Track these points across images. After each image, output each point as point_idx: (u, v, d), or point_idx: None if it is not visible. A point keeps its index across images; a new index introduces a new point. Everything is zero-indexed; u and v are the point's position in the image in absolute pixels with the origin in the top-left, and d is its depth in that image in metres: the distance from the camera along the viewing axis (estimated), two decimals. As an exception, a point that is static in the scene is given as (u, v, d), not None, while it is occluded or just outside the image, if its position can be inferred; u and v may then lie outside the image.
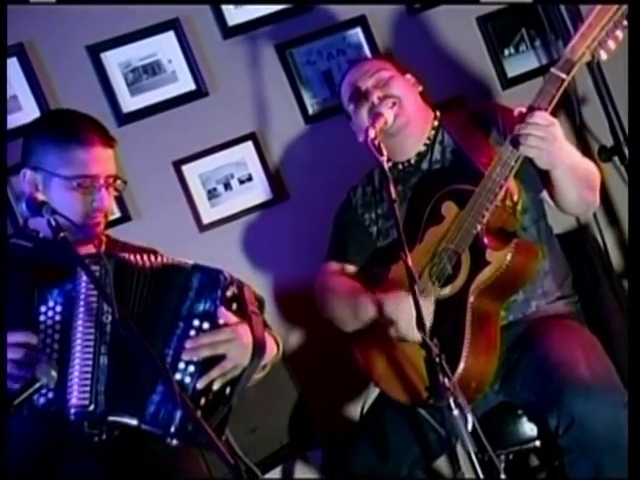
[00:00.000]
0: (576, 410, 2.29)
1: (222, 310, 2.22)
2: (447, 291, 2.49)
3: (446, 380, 2.03)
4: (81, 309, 2.15)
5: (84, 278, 2.15)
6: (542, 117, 2.33)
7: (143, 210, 3.08)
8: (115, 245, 2.49)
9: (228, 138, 3.14)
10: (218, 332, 2.21)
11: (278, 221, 3.17)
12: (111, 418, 2.14)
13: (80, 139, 2.33)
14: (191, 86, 3.12)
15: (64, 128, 2.37)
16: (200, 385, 2.18)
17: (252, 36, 3.18)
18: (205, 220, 3.12)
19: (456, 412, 2.00)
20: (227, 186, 3.13)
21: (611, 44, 2.31)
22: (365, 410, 2.65)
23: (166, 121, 3.10)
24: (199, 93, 3.12)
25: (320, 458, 2.98)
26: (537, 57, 3.36)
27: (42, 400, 2.10)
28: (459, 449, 2.08)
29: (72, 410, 2.10)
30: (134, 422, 2.15)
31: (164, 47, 3.10)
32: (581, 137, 3.28)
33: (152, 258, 2.26)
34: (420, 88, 2.74)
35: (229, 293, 2.25)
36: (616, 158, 3.25)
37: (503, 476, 2.16)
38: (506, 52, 3.34)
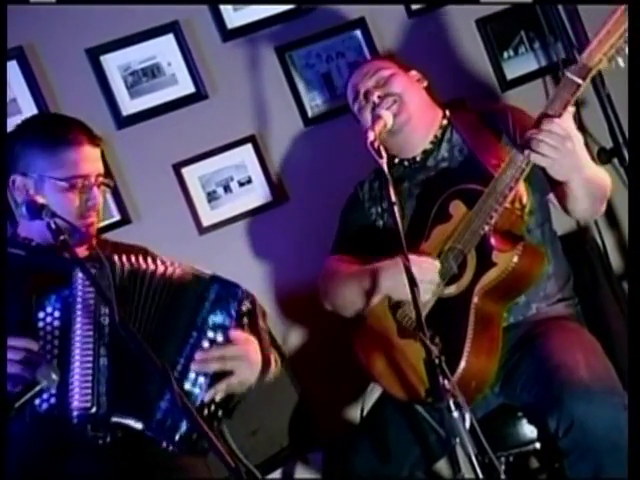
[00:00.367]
0: (576, 412, 2.29)
1: (236, 324, 2.23)
2: (452, 290, 2.49)
3: (446, 382, 2.04)
4: (79, 312, 2.16)
5: (80, 281, 2.16)
6: (558, 126, 2.31)
7: (143, 212, 3.08)
8: (106, 245, 2.49)
9: (228, 141, 3.14)
10: (229, 347, 2.23)
11: (278, 223, 3.17)
12: (114, 419, 2.14)
13: (68, 140, 2.34)
14: (191, 89, 3.12)
15: (51, 131, 2.38)
16: (207, 398, 2.19)
17: (251, 39, 3.18)
18: (205, 222, 3.12)
19: (456, 414, 2.01)
20: (227, 188, 3.13)
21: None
22: (364, 412, 2.65)
23: (166, 124, 3.10)
24: (199, 96, 3.12)
25: (320, 460, 2.97)
26: (536, 59, 3.36)
27: (45, 406, 2.10)
28: (459, 451, 2.08)
29: (75, 413, 2.11)
30: (139, 425, 2.15)
31: (164, 50, 3.10)
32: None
33: (170, 265, 2.27)
34: (425, 83, 2.75)
35: (244, 308, 2.27)
36: (615, 160, 3.26)
37: (503, 478, 2.17)
38: (505, 54, 3.34)
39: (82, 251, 2.35)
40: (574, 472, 2.34)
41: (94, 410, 2.11)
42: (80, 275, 2.15)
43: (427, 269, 2.45)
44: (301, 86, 3.20)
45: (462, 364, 2.40)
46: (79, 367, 2.13)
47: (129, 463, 2.21)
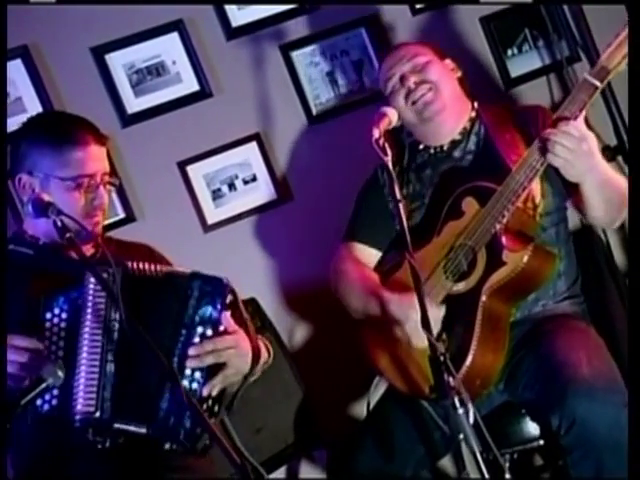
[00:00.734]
0: (578, 410, 2.28)
1: (224, 316, 2.23)
2: (461, 287, 2.49)
3: (451, 379, 2.04)
4: (88, 316, 2.15)
5: (91, 285, 2.15)
6: (575, 128, 2.31)
7: (147, 211, 3.08)
8: (110, 243, 2.49)
9: (232, 139, 3.14)
10: (220, 340, 2.22)
11: (282, 221, 3.18)
12: (117, 426, 2.13)
13: (75, 139, 2.33)
14: (195, 87, 3.12)
15: (57, 130, 2.37)
16: (205, 392, 2.19)
17: (256, 37, 3.18)
18: (209, 220, 3.12)
19: (461, 411, 2.01)
20: (231, 186, 3.14)
21: None
22: (371, 406, 2.65)
23: (170, 122, 3.10)
24: (203, 94, 3.12)
25: (325, 458, 2.98)
26: (540, 57, 3.36)
27: (46, 407, 2.10)
28: (464, 448, 2.08)
29: (77, 416, 2.11)
30: (142, 430, 2.15)
31: (168, 48, 3.10)
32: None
33: (152, 266, 2.25)
34: (459, 74, 2.75)
35: (228, 299, 2.26)
36: (620, 158, 3.26)
37: (508, 476, 2.17)
38: (509, 52, 3.34)
39: (88, 249, 2.35)
40: (576, 470, 2.34)
41: (97, 415, 2.11)
42: (92, 280, 2.14)
43: (408, 308, 2.42)
44: (305, 84, 3.21)
45: (468, 361, 2.40)
46: (85, 371, 2.12)
47: (132, 463, 2.21)
